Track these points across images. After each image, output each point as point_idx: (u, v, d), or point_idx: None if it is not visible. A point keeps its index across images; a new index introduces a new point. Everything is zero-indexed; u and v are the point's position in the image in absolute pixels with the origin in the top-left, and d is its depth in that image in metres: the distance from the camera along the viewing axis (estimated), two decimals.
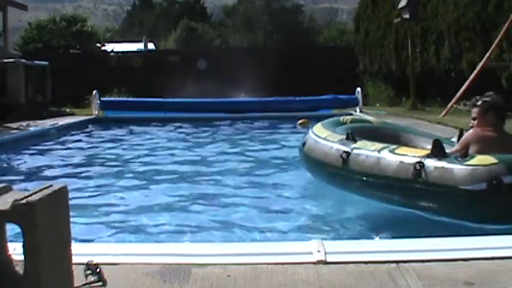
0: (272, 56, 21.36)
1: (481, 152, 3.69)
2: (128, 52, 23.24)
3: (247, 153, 7.76)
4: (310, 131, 5.36)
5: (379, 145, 4.19)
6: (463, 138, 4.06)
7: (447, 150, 3.80)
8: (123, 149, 8.54)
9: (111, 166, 6.85)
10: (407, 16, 13.95)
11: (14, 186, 2.03)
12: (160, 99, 13.79)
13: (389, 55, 16.59)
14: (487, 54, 10.99)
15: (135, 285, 2.37)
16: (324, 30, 44.98)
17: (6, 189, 1.95)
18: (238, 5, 49.25)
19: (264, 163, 6.86)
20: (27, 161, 7.18)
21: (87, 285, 2.29)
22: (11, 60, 14.20)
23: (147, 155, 7.73)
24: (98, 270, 2.34)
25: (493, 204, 3.41)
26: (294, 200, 4.87)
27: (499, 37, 10.82)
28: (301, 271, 2.49)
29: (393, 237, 3.49)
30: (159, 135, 10.47)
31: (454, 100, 11.68)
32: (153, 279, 2.41)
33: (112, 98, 15.55)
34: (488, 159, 3.45)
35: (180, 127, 11.54)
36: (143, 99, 14.38)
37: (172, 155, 7.75)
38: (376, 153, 4.05)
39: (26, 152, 8.00)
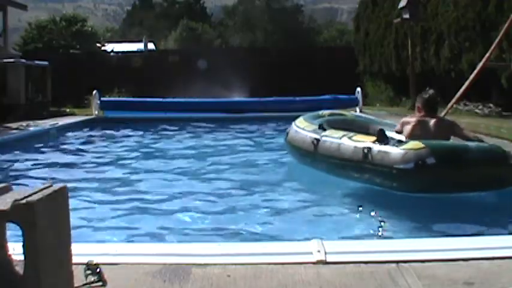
0: (272, 56, 21.39)
1: (410, 132, 4.90)
2: (128, 52, 23.24)
3: (244, 153, 7.76)
4: (293, 123, 6.22)
5: (341, 133, 5.15)
6: (402, 120, 5.27)
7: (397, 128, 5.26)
8: (123, 148, 8.53)
9: (111, 166, 6.85)
10: (407, 16, 13.94)
11: (14, 186, 2.03)
12: (160, 99, 13.78)
13: (389, 55, 16.58)
14: (487, 54, 10.96)
15: (135, 285, 2.37)
16: (324, 30, 45.04)
17: (6, 189, 1.95)
18: (238, 5, 49.25)
19: (261, 162, 6.86)
20: (27, 161, 7.17)
21: (87, 285, 2.29)
22: (11, 60, 14.17)
23: (147, 155, 7.73)
24: (98, 270, 2.34)
25: (418, 178, 4.32)
26: (294, 199, 4.87)
27: (499, 37, 10.81)
28: (301, 271, 2.49)
29: (393, 237, 3.50)
30: (159, 135, 10.46)
31: (454, 100, 11.65)
32: (153, 279, 2.41)
33: (112, 98, 15.53)
34: (418, 144, 4.34)
35: (180, 127, 11.54)
36: (143, 99, 14.36)
37: (172, 154, 7.75)
38: (338, 140, 5.02)
39: (26, 152, 7.99)
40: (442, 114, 11.36)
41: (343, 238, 3.63)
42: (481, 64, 11.09)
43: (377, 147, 4.54)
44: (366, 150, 4.57)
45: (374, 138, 4.71)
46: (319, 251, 2.67)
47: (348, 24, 42.62)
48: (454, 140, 4.93)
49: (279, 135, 9.04)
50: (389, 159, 4.38)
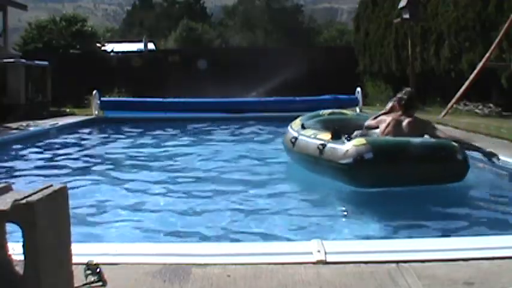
0: (272, 56, 21.37)
1: (383, 129, 5.26)
2: (128, 52, 23.21)
3: (244, 153, 7.77)
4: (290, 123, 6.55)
5: (312, 131, 5.65)
6: (379, 118, 5.56)
7: (367, 122, 5.70)
8: (123, 149, 8.53)
9: (110, 166, 6.85)
10: (407, 16, 13.92)
11: (14, 186, 2.03)
12: (160, 99, 13.78)
13: (389, 55, 16.58)
14: (487, 54, 10.97)
15: (135, 285, 2.37)
16: (324, 30, 45.03)
17: (6, 189, 1.95)
18: (238, 5, 49.28)
19: (262, 163, 6.86)
20: (27, 161, 7.17)
21: (87, 285, 2.29)
22: (11, 60, 14.16)
23: (146, 155, 7.73)
24: (98, 270, 2.35)
25: (357, 173, 4.63)
26: (293, 199, 4.88)
27: (499, 37, 10.81)
28: (301, 271, 2.49)
29: (393, 237, 3.50)
30: (159, 135, 10.46)
31: (454, 100, 11.68)
32: (153, 279, 2.41)
33: (112, 98, 15.53)
34: (361, 141, 4.69)
35: (180, 127, 11.54)
36: (143, 99, 14.36)
37: (171, 154, 7.75)
38: (306, 137, 5.53)
39: (26, 152, 7.99)
40: (442, 114, 11.42)
41: (343, 238, 3.63)
42: (481, 64, 11.10)
43: (329, 144, 4.98)
44: (320, 147, 5.03)
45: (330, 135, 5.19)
46: (319, 251, 2.67)
47: (348, 24, 42.61)
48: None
49: (279, 135, 9.06)
50: (336, 155, 4.78)
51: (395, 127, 5.20)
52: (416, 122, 5.32)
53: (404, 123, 5.23)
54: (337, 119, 6.33)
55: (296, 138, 5.74)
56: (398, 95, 5.49)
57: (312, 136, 5.46)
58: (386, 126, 5.28)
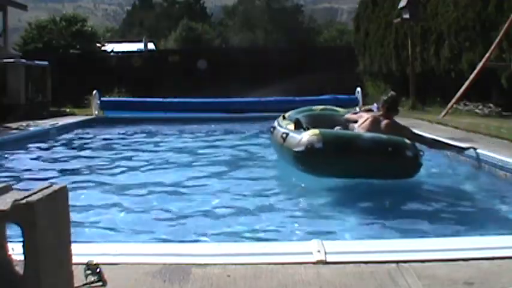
0: (272, 56, 21.37)
1: (359, 125, 5.53)
2: (128, 52, 23.21)
3: (244, 153, 7.77)
4: None
5: (285, 122, 6.13)
6: (360, 113, 5.94)
7: (347, 115, 6.14)
8: (123, 149, 8.53)
9: (110, 166, 6.85)
10: (407, 16, 13.93)
11: (14, 186, 2.03)
12: (160, 99, 13.78)
13: (389, 55, 16.57)
14: (487, 54, 10.97)
15: (135, 285, 2.37)
16: (324, 30, 45.01)
17: (6, 189, 1.95)
18: (238, 5, 49.25)
19: (262, 163, 6.86)
20: (27, 161, 7.17)
21: (87, 285, 2.29)
22: (11, 60, 14.15)
23: (146, 155, 7.73)
24: (98, 270, 2.35)
25: (308, 160, 4.94)
26: (293, 199, 4.88)
27: (499, 37, 10.81)
28: (301, 271, 2.49)
29: (393, 238, 3.50)
30: (159, 135, 10.46)
31: (454, 100, 11.67)
32: (153, 279, 2.42)
33: (112, 98, 15.53)
34: (315, 131, 4.98)
35: (179, 127, 11.54)
36: (143, 99, 14.36)
37: (171, 154, 7.75)
38: (279, 128, 6.03)
39: (26, 152, 7.99)
40: (442, 114, 11.42)
41: (343, 238, 3.63)
42: (481, 64, 11.09)
43: (290, 134, 5.43)
44: (284, 135, 5.51)
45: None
46: (319, 251, 2.67)
47: (348, 24, 42.59)
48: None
49: None
50: (293, 143, 5.15)
51: (372, 124, 5.43)
52: (394, 124, 5.54)
53: (382, 123, 5.46)
54: (327, 115, 6.56)
55: (274, 128, 6.25)
56: (383, 97, 5.76)
57: (283, 126, 5.93)
58: (364, 121, 5.53)
